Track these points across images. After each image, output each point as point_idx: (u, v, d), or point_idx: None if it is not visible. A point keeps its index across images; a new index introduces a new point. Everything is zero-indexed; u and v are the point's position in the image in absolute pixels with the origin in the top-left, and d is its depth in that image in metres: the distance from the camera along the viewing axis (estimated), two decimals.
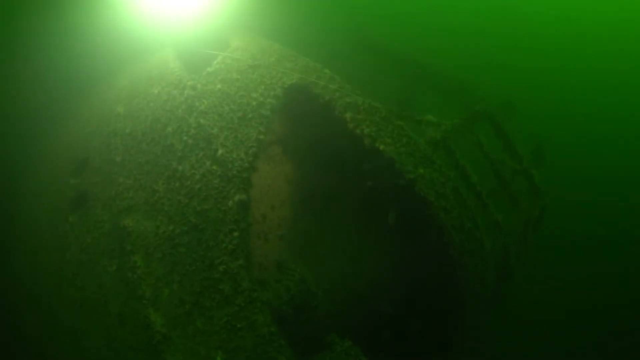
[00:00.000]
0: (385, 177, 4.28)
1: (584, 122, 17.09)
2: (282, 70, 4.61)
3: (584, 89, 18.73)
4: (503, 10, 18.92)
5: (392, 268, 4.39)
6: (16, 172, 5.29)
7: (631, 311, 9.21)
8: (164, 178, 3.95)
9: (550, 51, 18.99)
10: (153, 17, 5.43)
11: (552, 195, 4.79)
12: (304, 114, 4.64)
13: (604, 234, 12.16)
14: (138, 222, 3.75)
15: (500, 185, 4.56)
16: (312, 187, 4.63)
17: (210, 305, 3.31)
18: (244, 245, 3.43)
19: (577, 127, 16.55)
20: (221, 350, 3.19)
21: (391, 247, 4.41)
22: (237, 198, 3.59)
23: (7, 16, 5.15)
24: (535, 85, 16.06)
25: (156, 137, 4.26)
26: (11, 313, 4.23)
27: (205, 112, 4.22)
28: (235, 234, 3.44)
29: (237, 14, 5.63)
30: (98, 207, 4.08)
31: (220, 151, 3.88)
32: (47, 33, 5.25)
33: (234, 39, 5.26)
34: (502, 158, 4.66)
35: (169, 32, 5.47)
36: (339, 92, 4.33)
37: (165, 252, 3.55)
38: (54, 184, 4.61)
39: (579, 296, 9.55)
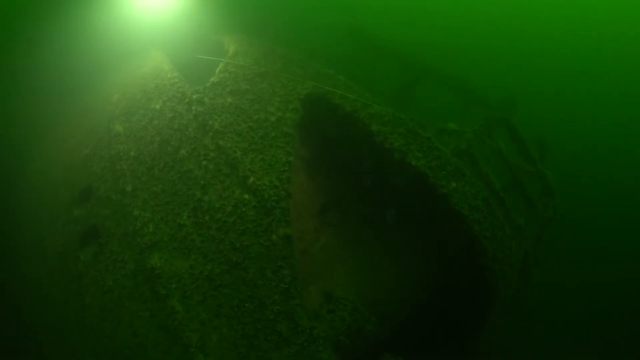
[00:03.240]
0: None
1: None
2: (293, 78, 4.34)
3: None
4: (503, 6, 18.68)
5: (421, 277, 4.40)
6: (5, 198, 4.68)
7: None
8: (188, 210, 3.65)
9: (548, 47, 19.01)
10: (134, 17, 4.89)
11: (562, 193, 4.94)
12: (321, 123, 4.42)
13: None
14: (167, 261, 3.47)
15: (517, 188, 4.64)
16: (332, 199, 4.49)
17: (267, 347, 3.16)
18: (297, 281, 3.28)
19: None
20: None
21: (421, 258, 4.41)
22: (282, 232, 3.39)
23: None
24: (536, 81, 16.18)
25: (169, 161, 3.91)
26: None
27: (221, 131, 3.91)
28: (286, 271, 3.27)
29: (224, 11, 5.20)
30: (114, 243, 3.72)
31: (251, 178, 3.63)
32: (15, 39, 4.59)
33: (229, 42, 4.86)
34: (516, 161, 4.72)
35: (152, 32, 4.97)
36: (361, 102, 4.16)
37: (206, 295, 3.33)
38: (54, 216, 4.14)
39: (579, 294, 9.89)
